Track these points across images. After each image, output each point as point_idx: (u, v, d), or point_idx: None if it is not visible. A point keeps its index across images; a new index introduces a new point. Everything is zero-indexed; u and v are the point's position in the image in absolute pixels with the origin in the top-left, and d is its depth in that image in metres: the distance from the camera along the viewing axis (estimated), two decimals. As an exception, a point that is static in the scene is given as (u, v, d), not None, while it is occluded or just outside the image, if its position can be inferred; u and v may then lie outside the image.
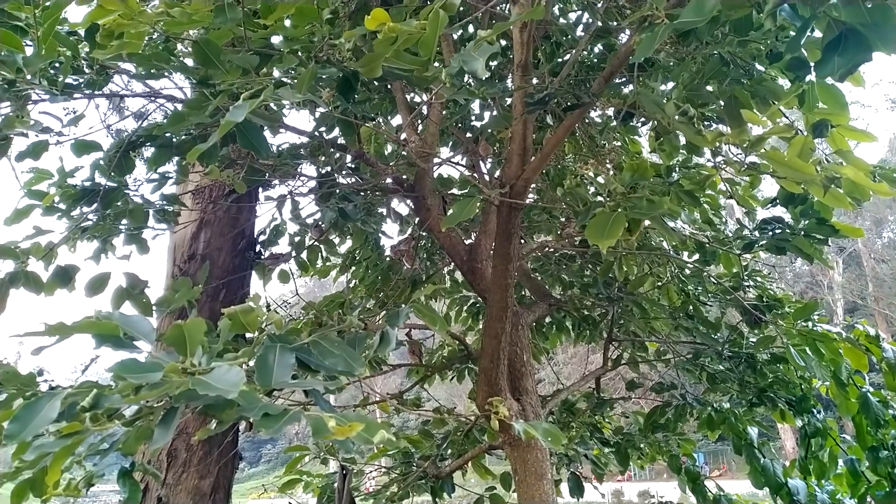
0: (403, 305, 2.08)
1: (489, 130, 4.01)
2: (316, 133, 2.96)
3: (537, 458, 3.05)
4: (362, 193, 3.31)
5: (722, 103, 2.49)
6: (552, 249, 5.24)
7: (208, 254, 3.90)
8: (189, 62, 2.72)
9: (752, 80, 2.53)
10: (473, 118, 4.54)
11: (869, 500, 3.57)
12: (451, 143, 4.80)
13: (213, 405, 1.42)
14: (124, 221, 3.22)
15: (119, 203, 3.18)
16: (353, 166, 3.28)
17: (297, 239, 4.17)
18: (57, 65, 2.39)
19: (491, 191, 2.40)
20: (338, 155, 3.20)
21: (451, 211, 2.21)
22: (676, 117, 1.93)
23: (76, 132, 3.30)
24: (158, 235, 3.15)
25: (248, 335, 1.86)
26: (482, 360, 3.02)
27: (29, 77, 2.20)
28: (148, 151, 3.27)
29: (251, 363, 1.58)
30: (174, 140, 3.16)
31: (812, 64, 1.84)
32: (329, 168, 3.15)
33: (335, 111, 2.25)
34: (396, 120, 4.64)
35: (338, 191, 3.11)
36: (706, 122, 3.36)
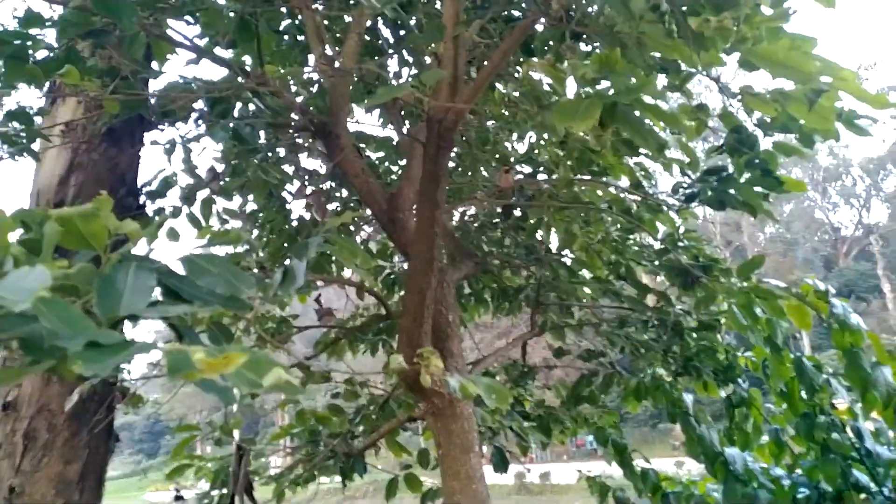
0: (314, 236, 1.68)
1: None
2: (207, 41, 2.47)
3: (463, 429, 2.72)
4: (266, 129, 2.85)
5: None
6: (474, 215, 4.94)
7: (80, 202, 3.31)
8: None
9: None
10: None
11: (798, 471, 3.48)
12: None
13: (27, 339, 0.97)
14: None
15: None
16: (254, 91, 2.78)
17: (186, 191, 3.62)
18: None
19: (401, 87, 1.98)
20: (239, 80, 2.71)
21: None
22: (645, 15, 1.61)
23: None
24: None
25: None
26: (404, 318, 2.65)
27: None
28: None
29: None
30: (32, 55, 2.59)
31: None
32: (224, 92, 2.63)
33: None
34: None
35: (235, 115, 2.63)
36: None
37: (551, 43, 2.46)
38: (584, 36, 2.39)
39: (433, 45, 2.28)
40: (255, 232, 4.74)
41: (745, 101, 2.17)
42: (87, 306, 1.13)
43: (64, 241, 1.18)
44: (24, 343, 0.97)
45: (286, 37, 4.04)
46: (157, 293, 1.19)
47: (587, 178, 3.59)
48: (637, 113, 1.53)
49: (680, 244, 3.44)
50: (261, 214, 4.68)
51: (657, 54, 2.22)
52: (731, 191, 2.90)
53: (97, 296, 1.06)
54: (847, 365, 2.96)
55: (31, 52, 2.53)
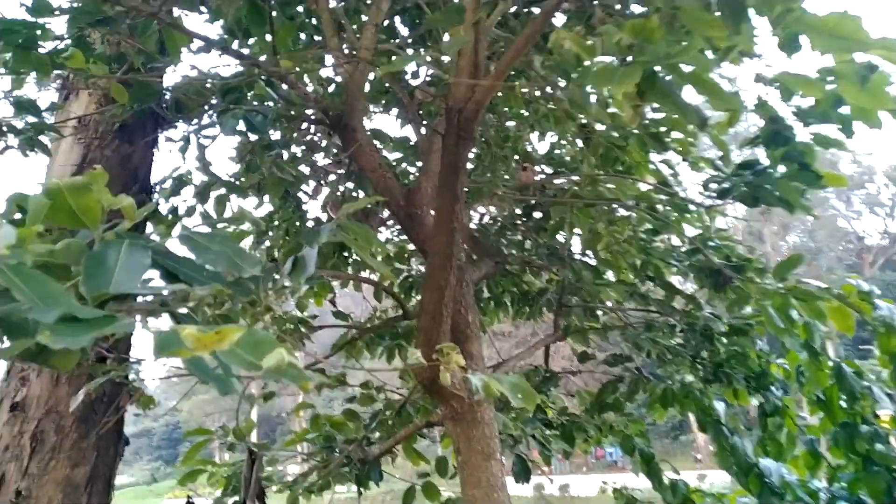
0: (326, 224, 1.57)
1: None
2: (220, 35, 2.38)
3: (484, 435, 2.59)
4: (280, 121, 2.76)
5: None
6: (493, 217, 4.81)
7: (92, 199, 3.24)
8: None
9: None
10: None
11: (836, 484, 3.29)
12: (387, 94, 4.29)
13: (4, 318, 0.87)
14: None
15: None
16: (268, 81, 2.68)
17: (200, 188, 3.54)
18: None
19: (419, 56, 1.88)
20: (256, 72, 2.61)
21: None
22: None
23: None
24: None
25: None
26: (422, 317, 2.53)
27: None
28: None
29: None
30: (39, 43, 2.52)
31: None
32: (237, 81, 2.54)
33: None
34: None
35: (249, 103, 2.53)
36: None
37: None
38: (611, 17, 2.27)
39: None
40: (271, 233, 4.67)
41: (786, 84, 2.03)
42: (80, 292, 1.03)
43: (52, 216, 1.08)
44: (2, 322, 0.87)
45: (303, 35, 3.97)
46: (156, 279, 1.09)
47: (612, 175, 3.46)
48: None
49: (710, 244, 3.29)
50: (277, 215, 4.61)
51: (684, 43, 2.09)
52: (767, 186, 2.76)
53: (84, 273, 0.95)
54: (893, 370, 2.79)
55: (39, 41, 2.47)
